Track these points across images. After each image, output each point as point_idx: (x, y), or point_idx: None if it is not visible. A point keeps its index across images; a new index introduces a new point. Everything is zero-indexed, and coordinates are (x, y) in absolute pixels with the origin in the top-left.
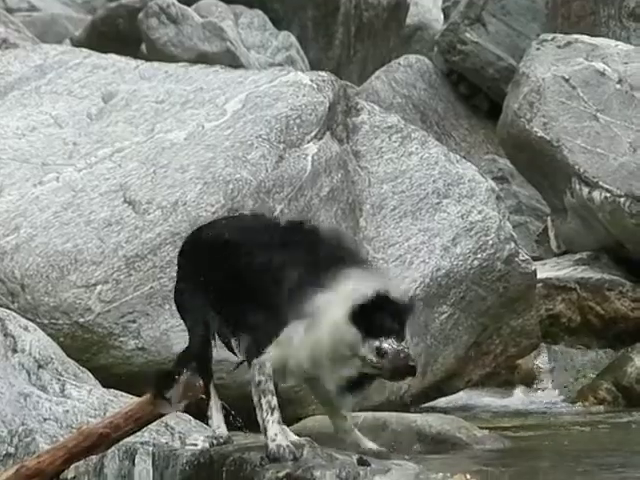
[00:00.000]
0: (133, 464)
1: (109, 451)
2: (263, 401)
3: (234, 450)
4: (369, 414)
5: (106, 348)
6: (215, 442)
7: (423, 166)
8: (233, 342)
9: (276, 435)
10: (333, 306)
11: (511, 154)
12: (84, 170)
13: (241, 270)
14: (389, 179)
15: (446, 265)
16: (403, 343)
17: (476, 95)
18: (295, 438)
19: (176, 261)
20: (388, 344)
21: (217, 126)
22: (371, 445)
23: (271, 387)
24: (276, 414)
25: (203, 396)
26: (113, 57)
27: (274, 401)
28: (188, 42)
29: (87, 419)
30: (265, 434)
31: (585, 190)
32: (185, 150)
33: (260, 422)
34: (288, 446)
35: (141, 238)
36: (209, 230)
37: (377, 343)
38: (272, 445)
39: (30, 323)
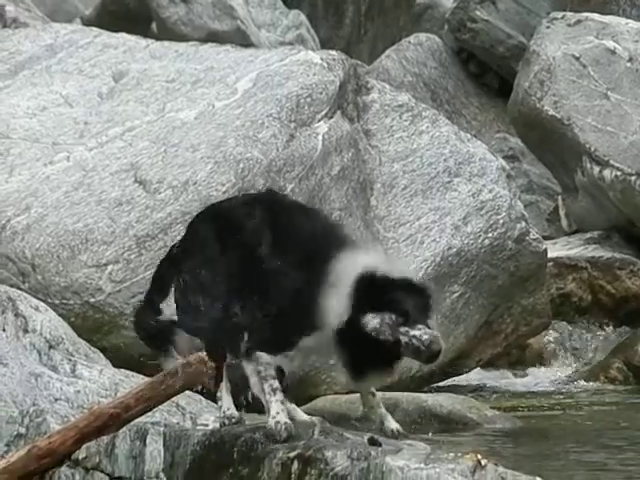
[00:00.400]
0: (144, 444)
1: (120, 431)
2: (265, 385)
3: (245, 430)
4: (380, 394)
5: (117, 328)
6: (227, 422)
7: (434, 145)
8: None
9: (277, 413)
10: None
11: (522, 133)
12: (95, 149)
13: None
14: (400, 158)
15: (457, 244)
16: (430, 325)
17: (486, 73)
18: (306, 417)
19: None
20: (419, 330)
21: (228, 105)
22: (394, 426)
23: (272, 372)
24: (279, 395)
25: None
26: (123, 36)
27: (276, 384)
28: (198, 21)
29: (98, 399)
30: (268, 414)
31: (596, 169)
32: (196, 129)
33: (265, 405)
34: (285, 423)
35: (152, 218)
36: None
37: (410, 331)
38: (271, 422)
39: (41, 303)
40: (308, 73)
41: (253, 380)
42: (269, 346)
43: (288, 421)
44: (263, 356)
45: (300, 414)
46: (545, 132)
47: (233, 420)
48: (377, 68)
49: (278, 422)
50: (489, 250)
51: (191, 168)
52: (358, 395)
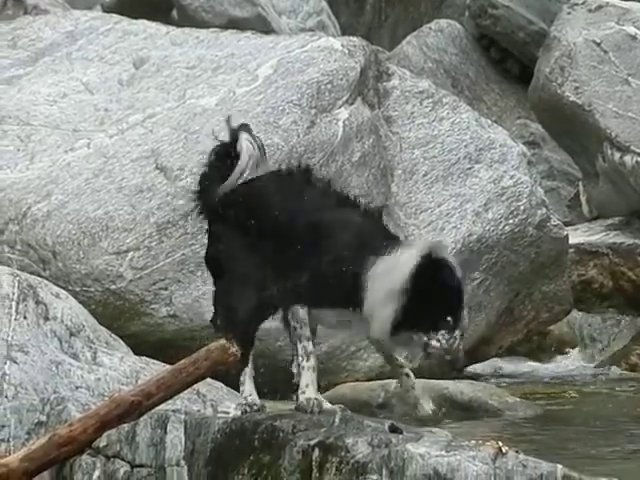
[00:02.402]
0: (165, 432)
1: (141, 419)
2: (299, 346)
3: (266, 418)
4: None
5: (138, 315)
6: (248, 410)
7: (454, 131)
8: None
9: (307, 386)
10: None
11: (542, 119)
12: (115, 136)
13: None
14: (420, 144)
15: (478, 231)
16: (454, 335)
17: (507, 59)
18: (328, 406)
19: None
20: (436, 341)
21: (248, 92)
22: (424, 411)
23: (307, 333)
24: (312, 360)
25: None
26: (144, 23)
27: (310, 347)
28: (219, 7)
29: (119, 387)
30: (299, 381)
31: (617, 155)
32: (216, 116)
33: (296, 368)
34: (316, 399)
35: (172, 204)
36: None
37: (425, 339)
38: (301, 397)
39: (62, 290)
40: (329, 59)
41: (292, 335)
42: (305, 298)
43: (317, 396)
44: (299, 311)
45: (323, 402)
46: (566, 118)
47: (255, 407)
48: (398, 54)
49: (309, 399)
50: (510, 236)
51: None
52: (379, 382)
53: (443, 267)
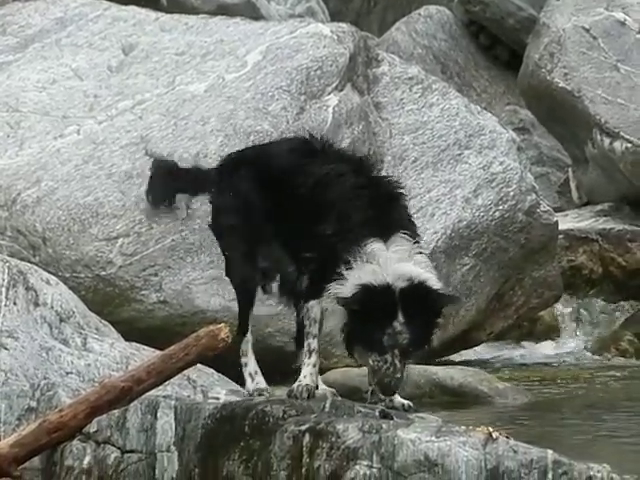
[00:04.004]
0: (155, 418)
1: (131, 405)
2: (305, 343)
3: (257, 403)
4: None
5: (128, 301)
6: (258, 394)
7: (444, 117)
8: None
9: (304, 377)
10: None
11: (532, 105)
12: (105, 123)
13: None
14: (410, 130)
15: (467, 217)
16: (384, 357)
17: (496, 46)
18: (323, 388)
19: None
20: (371, 361)
21: (238, 78)
22: (403, 401)
23: (314, 331)
24: (313, 357)
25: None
26: (133, 9)
27: (314, 344)
28: None
29: (109, 373)
30: (299, 372)
31: (606, 141)
32: (206, 102)
33: (300, 362)
34: (307, 385)
35: None
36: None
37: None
38: (295, 384)
39: (52, 276)
40: (318, 45)
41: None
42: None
43: (311, 384)
44: (314, 308)
45: (320, 384)
46: (555, 104)
47: (267, 392)
48: (387, 40)
49: (300, 384)
50: (500, 222)
51: (201, 141)
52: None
53: (380, 294)
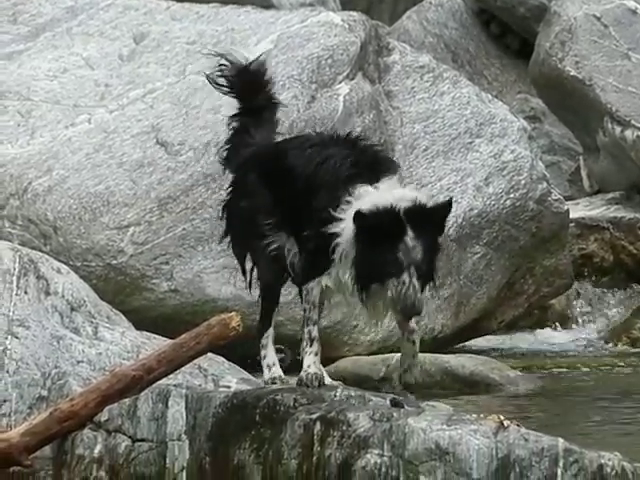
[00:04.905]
0: (166, 406)
1: (142, 394)
2: (305, 330)
3: (268, 392)
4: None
5: (139, 290)
6: (273, 383)
7: (455, 106)
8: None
9: (309, 366)
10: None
11: (543, 93)
12: (116, 112)
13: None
14: (421, 119)
15: (479, 205)
16: (401, 279)
17: (507, 34)
18: (329, 381)
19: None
20: (389, 291)
21: None
22: (410, 378)
23: (314, 317)
24: (315, 345)
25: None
26: None
27: (315, 331)
28: None
29: (120, 361)
30: (302, 363)
31: (617, 129)
32: (217, 91)
33: (301, 351)
34: (315, 373)
35: (173, 180)
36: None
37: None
38: (302, 374)
39: (63, 265)
40: (329, 34)
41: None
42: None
43: (318, 371)
44: (313, 291)
45: (325, 376)
46: (566, 93)
47: (284, 381)
48: (398, 29)
49: (308, 373)
50: (511, 211)
51: (212, 130)
52: (380, 356)
53: (386, 214)
